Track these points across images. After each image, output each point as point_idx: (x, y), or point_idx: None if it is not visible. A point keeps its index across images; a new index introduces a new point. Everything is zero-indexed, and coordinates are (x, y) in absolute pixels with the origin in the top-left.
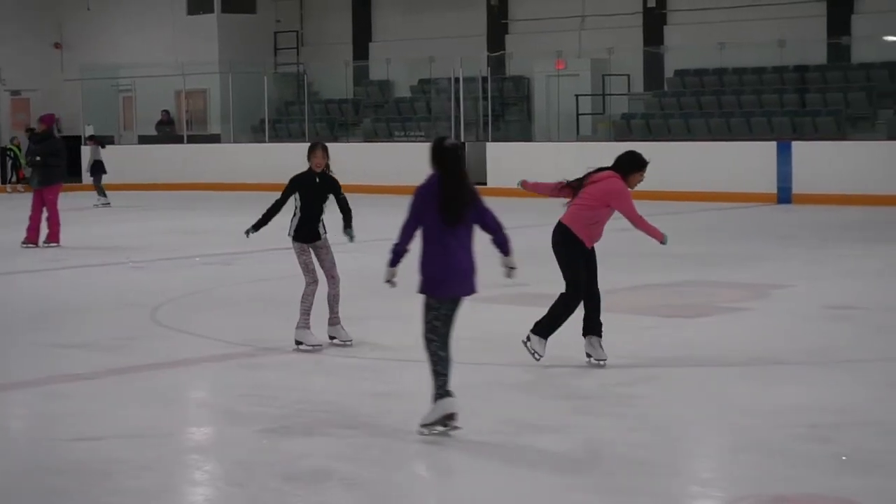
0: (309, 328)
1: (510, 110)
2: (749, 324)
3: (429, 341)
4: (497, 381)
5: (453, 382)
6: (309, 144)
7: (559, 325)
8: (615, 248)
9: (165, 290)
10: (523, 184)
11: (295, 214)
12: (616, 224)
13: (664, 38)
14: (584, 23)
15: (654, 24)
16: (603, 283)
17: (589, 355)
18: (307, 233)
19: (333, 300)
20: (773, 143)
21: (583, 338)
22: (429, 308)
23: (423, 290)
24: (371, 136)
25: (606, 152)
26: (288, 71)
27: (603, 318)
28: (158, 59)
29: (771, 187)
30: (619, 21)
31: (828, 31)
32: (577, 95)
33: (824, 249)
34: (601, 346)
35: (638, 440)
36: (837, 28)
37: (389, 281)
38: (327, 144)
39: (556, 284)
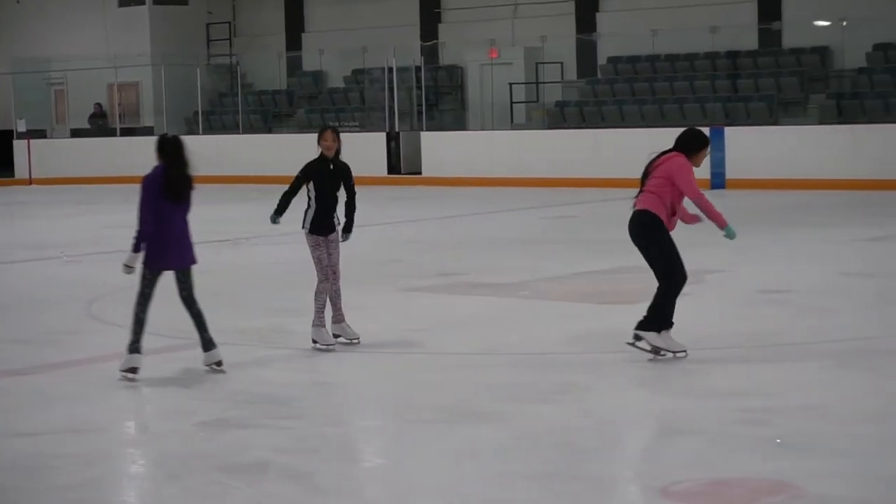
0: (324, 326)
1: (444, 99)
2: (684, 309)
3: (138, 304)
4: (433, 369)
5: (389, 365)
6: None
7: (670, 314)
8: (547, 236)
9: (100, 284)
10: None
11: (309, 206)
12: (548, 211)
13: (597, 26)
14: (516, 11)
15: (586, 11)
16: (536, 271)
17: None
18: (324, 226)
19: (336, 296)
20: (706, 129)
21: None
22: (144, 277)
23: (143, 261)
24: (305, 127)
25: (540, 140)
26: (221, 62)
27: (536, 305)
28: (90, 52)
29: (704, 173)
30: (552, 9)
31: (759, 17)
32: (510, 84)
33: (758, 234)
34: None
35: (575, 426)
36: (768, 13)
37: (128, 266)
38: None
39: (492, 273)
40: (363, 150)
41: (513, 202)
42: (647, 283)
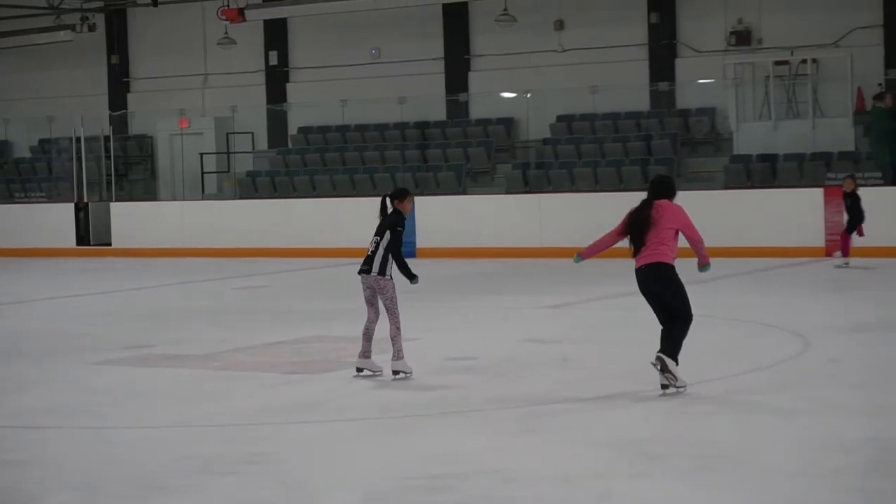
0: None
1: (134, 169)
2: (373, 377)
3: None
4: (121, 443)
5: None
6: (401, 190)
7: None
8: (238, 306)
9: None
10: (582, 255)
11: (388, 255)
12: (240, 281)
13: (287, 96)
14: (206, 81)
15: (276, 81)
16: (227, 342)
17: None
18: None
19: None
20: None
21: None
22: None
23: None
24: None
25: (232, 210)
26: None
27: (227, 376)
28: None
29: None
30: (242, 79)
31: (446, 88)
32: (201, 154)
33: (446, 302)
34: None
35: (264, 497)
36: (455, 85)
37: None
38: None
39: (183, 345)
40: (50, 221)
41: (205, 273)
42: (338, 352)
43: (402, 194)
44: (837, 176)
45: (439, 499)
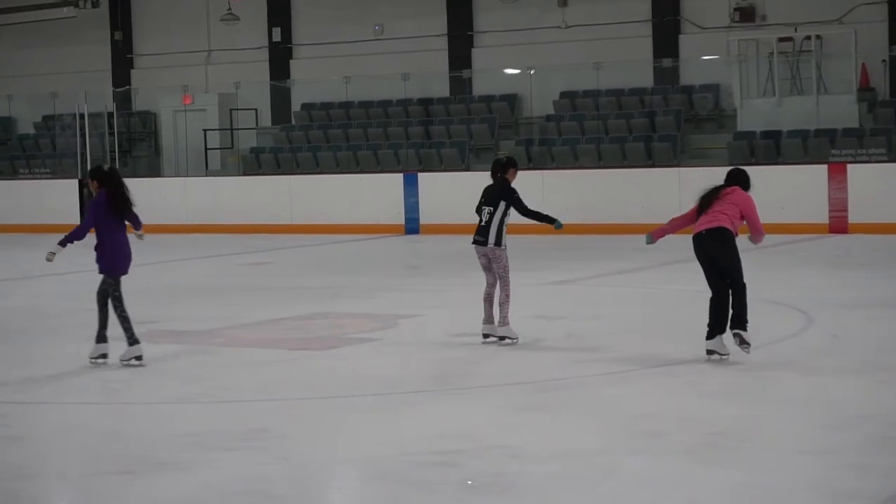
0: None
1: (138, 146)
2: (377, 353)
3: (116, 307)
4: (123, 418)
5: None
6: (511, 159)
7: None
8: (242, 282)
9: None
10: (653, 237)
11: (504, 224)
12: (243, 258)
13: (290, 72)
14: (210, 57)
15: (280, 58)
16: (230, 318)
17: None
18: None
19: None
20: (400, 175)
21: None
22: (111, 285)
23: (106, 271)
24: None
25: (235, 187)
26: None
27: (230, 352)
28: None
29: (399, 218)
30: (246, 55)
31: (450, 65)
32: (204, 130)
33: (450, 278)
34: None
35: (267, 473)
36: (459, 62)
37: (52, 254)
38: None
39: (186, 321)
40: (54, 198)
41: (208, 249)
42: (342, 328)
43: (512, 163)
44: (841, 152)
45: (444, 475)
